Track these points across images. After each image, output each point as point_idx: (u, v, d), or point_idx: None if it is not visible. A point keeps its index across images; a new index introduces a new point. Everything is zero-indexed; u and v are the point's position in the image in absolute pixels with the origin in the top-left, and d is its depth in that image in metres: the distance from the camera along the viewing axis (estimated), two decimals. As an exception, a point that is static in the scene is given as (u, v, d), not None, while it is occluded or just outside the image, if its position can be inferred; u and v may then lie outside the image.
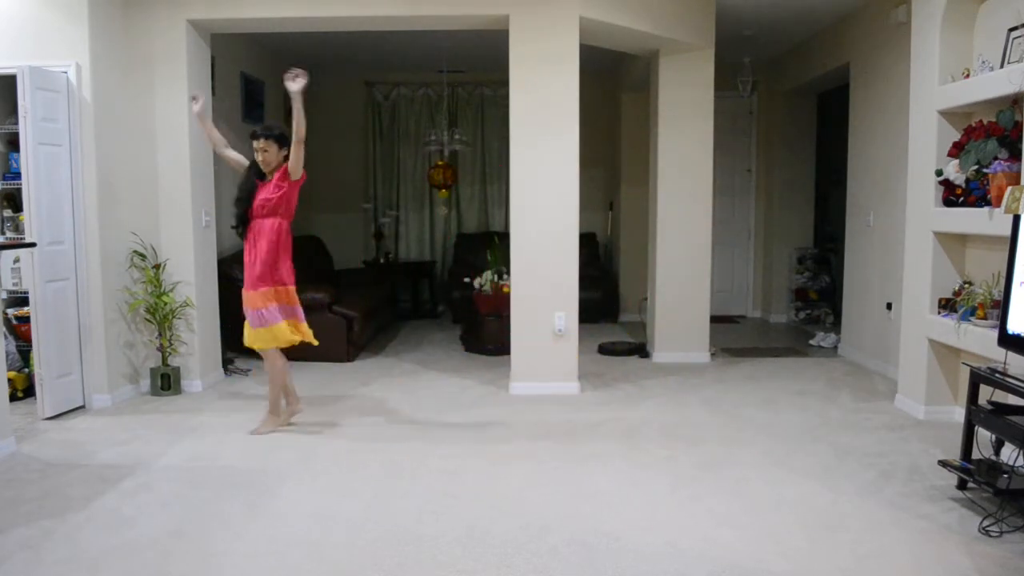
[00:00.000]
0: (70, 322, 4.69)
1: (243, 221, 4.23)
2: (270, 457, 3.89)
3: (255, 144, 4.18)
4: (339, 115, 8.80)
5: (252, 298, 4.17)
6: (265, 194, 4.17)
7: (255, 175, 4.24)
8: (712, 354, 6.24)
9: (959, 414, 4.05)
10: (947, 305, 4.25)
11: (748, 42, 6.93)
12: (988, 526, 2.94)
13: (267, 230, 4.16)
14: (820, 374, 5.69)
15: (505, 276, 6.07)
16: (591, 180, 8.23)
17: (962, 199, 4.11)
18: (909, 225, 4.60)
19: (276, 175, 4.19)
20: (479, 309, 6.42)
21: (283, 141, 4.17)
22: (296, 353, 6.04)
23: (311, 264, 7.44)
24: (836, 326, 7.06)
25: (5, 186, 4.91)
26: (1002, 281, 3.51)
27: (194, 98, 4.37)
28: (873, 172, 5.82)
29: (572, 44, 5.02)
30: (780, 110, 7.93)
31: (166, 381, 5.10)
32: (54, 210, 4.55)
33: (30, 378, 4.82)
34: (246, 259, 4.21)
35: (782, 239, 8.02)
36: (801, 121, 7.91)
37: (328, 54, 7.58)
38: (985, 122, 3.98)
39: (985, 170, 3.85)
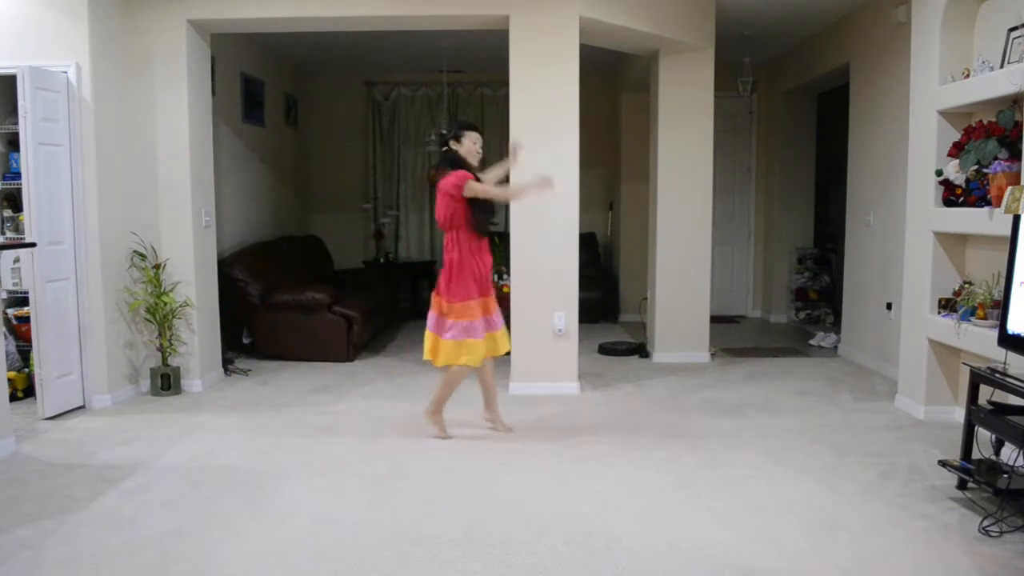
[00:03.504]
0: (70, 322, 4.69)
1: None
2: (270, 457, 3.89)
3: (480, 137, 4.12)
4: (339, 115, 8.81)
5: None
6: None
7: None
8: (712, 354, 6.24)
9: (959, 414, 4.05)
10: (947, 305, 4.25)
11: (748, 42, 6.93)
12: (988, 526, 2.94)
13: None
14: (820, 374, 5.69)
15: (505, 276, 6.07)
16: (591, 180, 8.23)
17: (962, 199, 4.11)
18: (909, 225, 4.60)
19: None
20: (479, 309, 6.41)
21: None
22: (296, 352, 6.10)
23: (311, 264, 7.45)
24: (836, 326, 7.06)
25: (5, 186, 4.91)
26: (1002, 281, 3.51)
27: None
28: (873, 172, 5.82)
29: (572, 44, 5.02)
30: (780, 110, 7.93)
31: (166, 381, 5.10)
32: (54, 210, 4.55)
33: (30, 378, 4.81)
34: (483, 269, 4.11)
35: (782, 239, 8.01)
36: (801, 121, 7.91)
37: (328, 54, 7.58)
38: (985, 122, 3.98)
39: (985, 170, 3.85)
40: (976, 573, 2.64)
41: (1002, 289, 3.43)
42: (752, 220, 8.40)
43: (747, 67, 7.39)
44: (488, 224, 4.13)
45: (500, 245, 6.32)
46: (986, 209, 3.81)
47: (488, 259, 4.14)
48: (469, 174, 4.02)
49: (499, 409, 4.35)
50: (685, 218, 6.03)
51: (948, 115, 4.25)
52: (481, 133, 4.17)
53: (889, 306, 5.53)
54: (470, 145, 4.10)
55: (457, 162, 4.08)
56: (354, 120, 8.84)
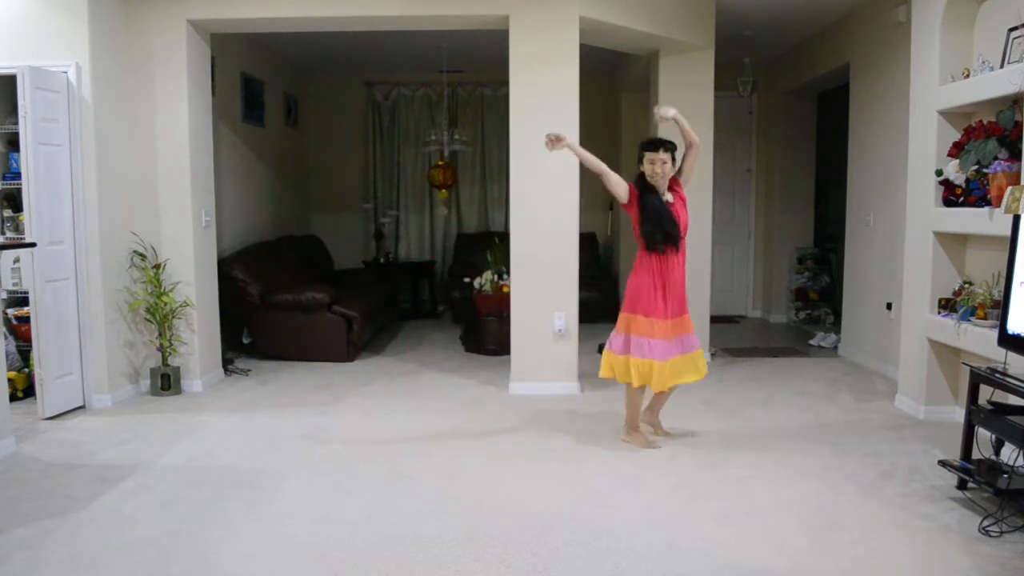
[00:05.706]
0: (70, 322, 4.68)
1: (675, 241, 3.92)
2: (270, 457, 3.89)
3: (656, 156, 3.85)
4: (339, 115, 8.81)
5: (688, 322, 4.10)
6: (682, 212, 3.97)
7: (650, 191, 3.93)
8: (712, 354, 6.24)
9: (959, 414, 4.05)
10: (947, 305, 4.25)
11: (748, 42, 6.93)
12: (988, 526, 2.94)
13: (683, 253, 4.01)
14: (820, 374, 5.69)
15: (505, 276, 6.07)
16: (591, 180, 8.20)
17: (962, 199, 4.11)
18: (909, 225, 4.60)
19: (676, 190, 4.01)
20: (479, 309, 6.42)
21: (674, 152, 3.93)
22: (296, 352, 6.10)
23: (311, 264, 7.45)
24: (836, 326, 7.06)
25: (5, 186, 4.91)
26: (1002, 281, 3.51)
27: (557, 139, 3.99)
28: (873, 172, 5.82)
29: (572, 44, 5.02)
30: (780, 110, 7.92)
31: (166, 381, 5.09)
32: (54, 210, 4.54)
33: (30, 378, 4.81)
34: (658, 285, 3.93)
35: (782, 239, 8.01)
36: (801, 121, 7.91)
37: (328, 54, 7.58)
38: (985, 122, 3.98)
39: (985, 170, 3.85)
40: (976, 573, 2.64)
41: (1002, 289, 3.43)
42: (752, 220, 8.39)
43: (747, 67, 7.39)
44: (652, 236, 3.90)
45: (500, 245, 6.35)
46: (986, 209, 3.81)
47: (668, 280, 3.94)
48: (628, 183, 3.95)
49: (659, 415, 4.25)
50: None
51: (948, 115, 4.25)
52: (666, 148, 3.88)
53: (889, 306, 5.53)
54: (647, 166, 3.90)
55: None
56: (354, 120, 8.84)
